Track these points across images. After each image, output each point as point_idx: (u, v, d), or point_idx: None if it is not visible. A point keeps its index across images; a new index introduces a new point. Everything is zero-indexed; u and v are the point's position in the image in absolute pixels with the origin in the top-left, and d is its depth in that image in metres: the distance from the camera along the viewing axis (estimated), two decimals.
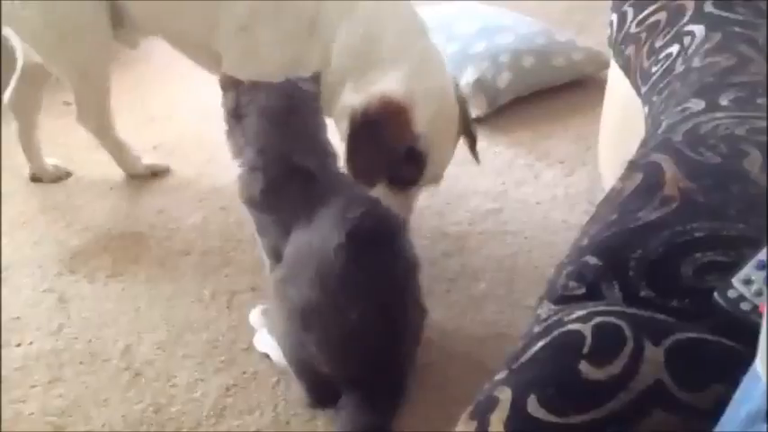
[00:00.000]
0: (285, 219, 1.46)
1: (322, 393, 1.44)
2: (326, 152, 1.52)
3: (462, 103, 1.73)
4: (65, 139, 2.27)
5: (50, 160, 2.15)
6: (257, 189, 1.48)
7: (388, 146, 1.58)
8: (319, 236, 1.39)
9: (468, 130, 1.77)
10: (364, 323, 1.35)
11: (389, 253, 1.40)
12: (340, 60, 1.67)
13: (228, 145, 1.53)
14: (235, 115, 1.50)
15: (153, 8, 1.85)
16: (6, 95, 2.06)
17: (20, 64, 2.02)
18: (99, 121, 2.02)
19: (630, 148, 1.30)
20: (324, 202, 1.42)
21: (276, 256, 1.50)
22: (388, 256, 1.39)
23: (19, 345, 1.62)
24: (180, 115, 2.39)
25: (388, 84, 1.60)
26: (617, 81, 1.73)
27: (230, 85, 1.51)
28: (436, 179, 1.72)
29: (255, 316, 1.64)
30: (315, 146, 1.50)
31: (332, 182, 1.47)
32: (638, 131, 1.48)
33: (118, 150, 2.10)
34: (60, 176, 2.14)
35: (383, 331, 1.38)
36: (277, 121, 1.48)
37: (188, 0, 1.79)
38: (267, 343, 1.56)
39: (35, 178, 2.13)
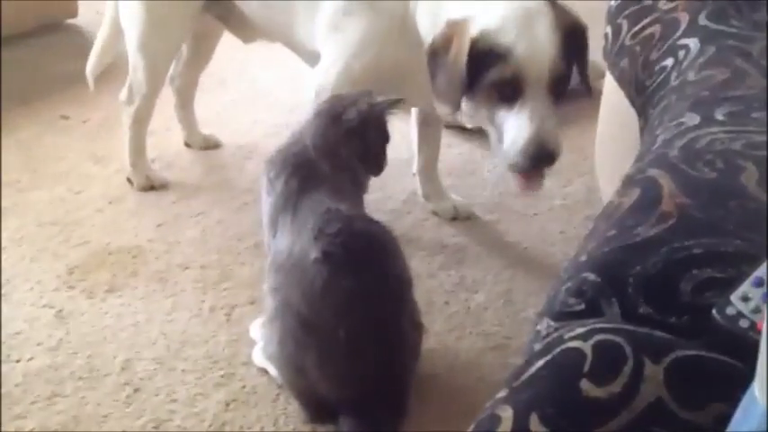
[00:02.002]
0: (278, 203, 1.48)
1: (319, 410, 1.45)
2: (348, 166, 1.53)
3: (574, 28, 1.64)
4: (64, 154, 2.28)
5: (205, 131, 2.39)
6: (276, 166, 1.52)
7: (454, 64, 1.55)
8: (299, 245, 1.39)
9: (580, 59, 1.69)
10: (353, 340, 1.35)
11: (371, 270, 1.39)
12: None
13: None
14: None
15: (259, 11, 1.94)
16: (169, 74, 2.23)
17: (184, 51, 2.22)
18: (142, 109, 2.10)
19: (627, 159, 1.30)
20: (307, 202, 1.43)
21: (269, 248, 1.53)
22: (369, 273, 1.38)
23: (18, 361, 1.62)
24: (179, 129, 2.39)
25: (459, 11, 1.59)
26: (612, 91, 1.73)
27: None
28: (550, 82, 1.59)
29: (256, 329, 1.64)
30: (338, 155, 1.52)
31: (328, 187, 1.47)
32: (634, 142, 1.49)
33: (136, 147, 2.14)
34: (209, 146, 2.35)
35: (376, 348, 1.37)
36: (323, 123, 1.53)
37: (286, 0, 1.84)
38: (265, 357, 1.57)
39: (186, 144, 2.36)
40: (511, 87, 1.55)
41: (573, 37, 1.62)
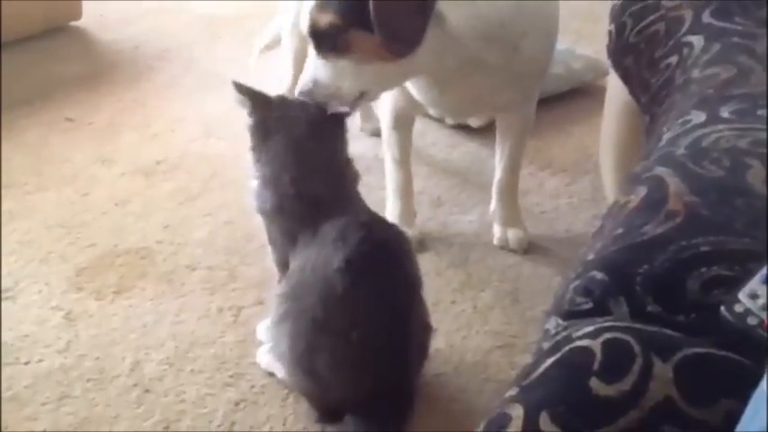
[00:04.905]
0: (292, 231, 1.48)
1: (327, 409, 1.46)
2: (342, 175, 1.52)
3: None
4: (70, 156, 2.28)
5: None
6: (267, 204, 1.50)
7: None
8: (321, 256, 1.40)
9: None
10: (366, 344, 1.36)
11: (389, 276, 1.41)
12: None
13: (251, 153, 1.52)
14: (260, 129, 1.49)
15: None
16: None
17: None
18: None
19: (632, 157, 1.31)
20: (329, 220, 1.43)
21: (284, 266, 1.52)
22: (387, 279, 1.40)
23: (28, 363, 1.63)
24: (183, 131, 2.40)
25: None
26: (616, 89, 1.74)
27: (260, 100, 1.49)
28: None
29: (263, 330, 1.65)
30: (330, 170, 1.50)
31: (340, 203, 1.47)
32: (638, 140, 1.49)
33: None
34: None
35: (387, 351, 1.39)
36: (295, 145, 1.47)
37: None
38: (270, 360, 1.57)
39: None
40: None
41: None
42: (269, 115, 1.48)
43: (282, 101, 1.52)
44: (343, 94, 1.53)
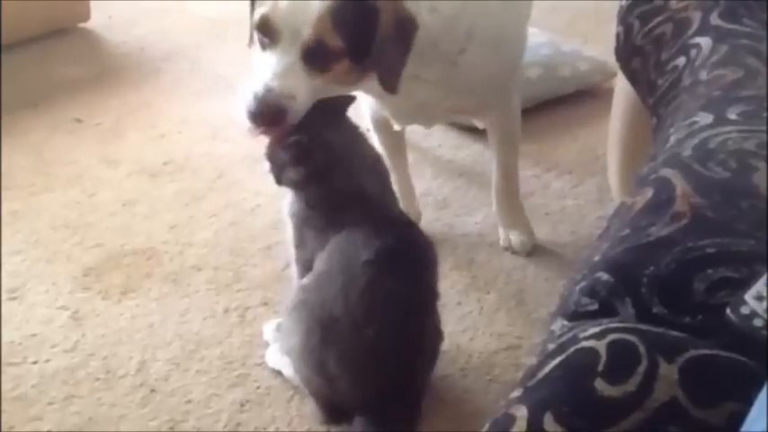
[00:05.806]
0: (327, 232, 1.46)
1: (334, 409, 1.46)
2: (374, 170, 1.52)
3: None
4: (76, 157, 2.29)
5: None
6: (301, 208, 1.49)
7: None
8: (351, 249, 1.40)
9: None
10: (380, 341, 1.36)
11: (413, 277, 1.42)
12: None
13: (270, 166, 1.50)
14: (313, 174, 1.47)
15: None
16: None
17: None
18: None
19: (639, 158, 1.30)
20: (362, 213, 1.44)
21: (308, 267, 1.50)
22: (411, 280, 1.41)
23: (35, 362, 1.64)
24: (190, 132, 2.40)
25: None
26: (623, 91, 1.73)
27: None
28: None
29: (270, 330, 1.65)
30: (367, 163, 1.51)
31: (374, 200, 1.48)
32: (645, 142, 1.49)
33: None
34: None
35: (399, 352, 1.39)
36: (334, 145, 1.46)
37: None
38: (279, 359, 1.57)
39: None
40: (266, 34, 1.45)
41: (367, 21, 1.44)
42: (320, 154, 1.45)
43: (316, 124, 1.46)
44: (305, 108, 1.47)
